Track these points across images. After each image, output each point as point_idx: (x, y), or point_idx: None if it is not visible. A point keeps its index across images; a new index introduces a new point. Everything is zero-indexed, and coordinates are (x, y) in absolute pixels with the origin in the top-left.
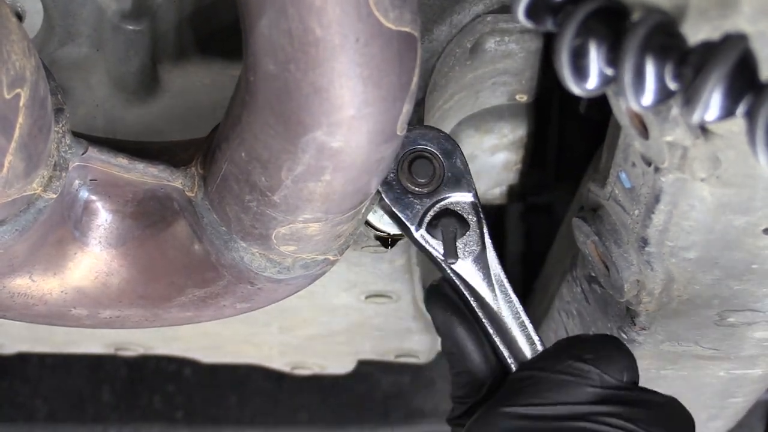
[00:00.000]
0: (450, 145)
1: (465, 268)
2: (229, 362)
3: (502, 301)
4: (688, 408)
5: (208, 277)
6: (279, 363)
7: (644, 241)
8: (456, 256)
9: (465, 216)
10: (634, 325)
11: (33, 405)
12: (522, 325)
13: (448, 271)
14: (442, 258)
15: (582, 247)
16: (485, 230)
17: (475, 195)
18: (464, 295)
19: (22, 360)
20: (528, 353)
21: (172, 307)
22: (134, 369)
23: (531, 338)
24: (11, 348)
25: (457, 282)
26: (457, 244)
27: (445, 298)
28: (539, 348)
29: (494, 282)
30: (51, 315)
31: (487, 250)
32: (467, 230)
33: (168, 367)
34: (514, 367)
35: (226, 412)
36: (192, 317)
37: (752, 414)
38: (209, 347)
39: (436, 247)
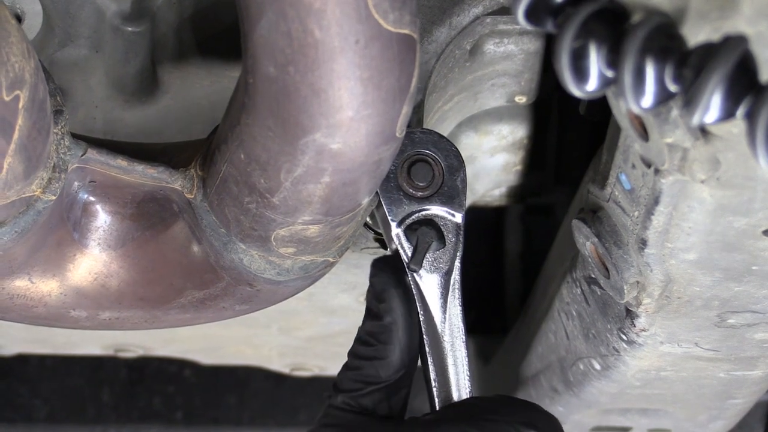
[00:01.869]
0: (457, 163)
1: (427, 282)
2: (228, 364)
3: (447, 327)
4: (688, 409)
5: (207, 278)
6: (278, 364)
7: (644, 243)
8: (420, 266)
9: (446, 234)
10: (634, 326)
11: (33, 405)
12: (458, 357)
13: (410, 277)
14: (407, 262)
15: (582, 248)
16: (459, 254)
17: (463, 218)
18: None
19: (22, 361)
20: (453, 385)
21: (171, 308)
22: (134, 370)
23: (461, 373)
24: (11, 349)
25: (414, 292)
26: (428, 257)
27: (394, 271)
28: (466, 384)
29: (448, 305)
30: (50, 316)
31: (454, 272)
32: (442, 247)
33: (168, 368)
34: (435, 391)
35: (225, 413)
36: (191, 319)
37: (752, 415)
38: (209, 349)
39: (407, 249)
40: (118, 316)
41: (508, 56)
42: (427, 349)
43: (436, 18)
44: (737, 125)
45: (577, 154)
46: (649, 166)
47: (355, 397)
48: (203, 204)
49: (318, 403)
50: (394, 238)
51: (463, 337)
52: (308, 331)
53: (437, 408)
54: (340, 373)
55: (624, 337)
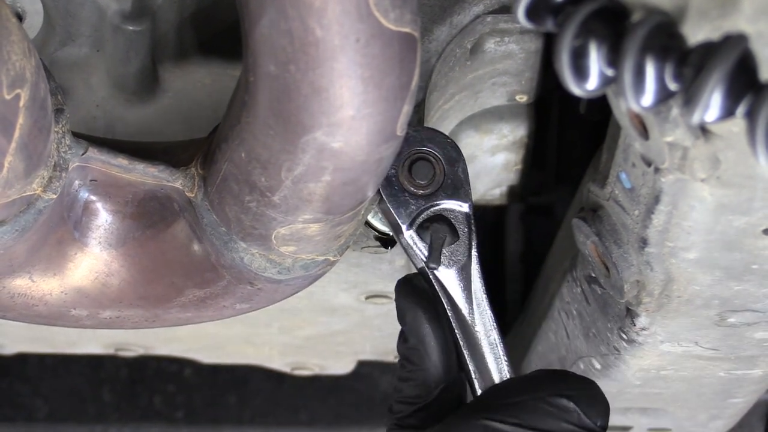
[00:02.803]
0: (455, 153)
1: (447, 276)
2: (229, 363)
3: (477, 315)
4: (688, 408)
5: (207, 277)
6: (279, 363)
7: (644, 242)
8: (438, 263)
9: (457, 226)
10: (634, 325)
11: (33, 405)
12: (493, 343)
13: (430, 276)
14: (425, 261)
15: (582, 247)
16: (474, 243)
17: (471, 207)
18: (438, 295)
19: (23, 360)
20: (494, 372)
21: (172, 307)
22: (135, 369)
23: (499, 357)
24: (11, 348)
25: (437, 288)
26: (444, 252)
27: (417, 291)
28: (505, 368)
29: (473, 296)
30: (51, 315)
31: (473, 263)
32: (456, 240)
33: (168, 367)
34: (477, 383)
35: (226, 412)
36: (192, 318)
37: (752, 414)
38: (209, 348)
39: (422, 249)
40: (119, 315)
41: (509, 55)
42: (461, 343)
43: (437, 17)
44: (737, 124)
45: (577, 153)
46: (649, 164)
47: (402, 419)
48: (204, 203)
49: (318, 403)
50: (408, 240)
51: (494, 324)
52: (309, 330)
53: None
54: (392, 396)
55: (624, 336)
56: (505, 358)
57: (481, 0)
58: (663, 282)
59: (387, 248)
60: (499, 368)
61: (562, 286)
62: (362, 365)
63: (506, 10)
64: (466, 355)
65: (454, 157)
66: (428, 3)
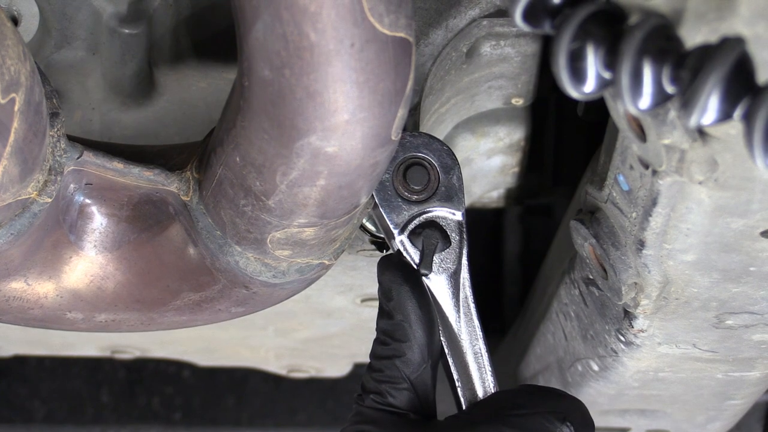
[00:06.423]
0: (451, 160)
1: (436, 283)
2: (225, 365)
3: (464, 323)
4: (686, 410)
5: (203, 281)
6: (275, 366)
7: (642, 244)
8: (430, 269)
9: (449, 233)
10: (632, 327)
11: (32, 406)
12: (477, 353)
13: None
14: (416, 267)
15: (580, 249)
16: (465, 251)
17: (463, 215)
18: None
19: (21, 361)
20: (476, 380)
21: (168, 311)
22: (133, 371)
23: (483, 367)
24: (7, 351)
25: None
26: (435, 259)
27: (400, 266)
28: (489, 378)
29: (461, 304)
30: (46, 318)
31: (462, 271)
32: (448, 247)
33: (167, 368)
34: (460, 390)
35: (224, 414)
36: (187, 321)
37: (750, 415)
38: (205, 350)
39: (412, 255)
40: (115, 318)
41: (505, 59)
42: (446, 350)
43: (433, 20)
44: (735, 126)
45: (575, 155)
46: (646, 167)
47: (383, 397)
48: (199, 206)
49: (315, 405)
50: (399, 246)
51: (481, 333)
52: (305, 332)
53: (463, 407)
54: (364, 375)
55: (622, 338)
56: (490, 369)
57: (476, 4)
58: (661, 284)
59: (382, 251)
60: (482, 378)
61: (560, 287)
62: (359, 367)
63: (502, 13)
64: (450, 362)
65: (449, 164)
66: (424, 6)
